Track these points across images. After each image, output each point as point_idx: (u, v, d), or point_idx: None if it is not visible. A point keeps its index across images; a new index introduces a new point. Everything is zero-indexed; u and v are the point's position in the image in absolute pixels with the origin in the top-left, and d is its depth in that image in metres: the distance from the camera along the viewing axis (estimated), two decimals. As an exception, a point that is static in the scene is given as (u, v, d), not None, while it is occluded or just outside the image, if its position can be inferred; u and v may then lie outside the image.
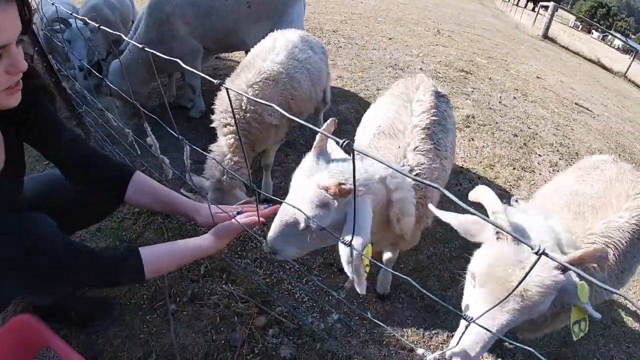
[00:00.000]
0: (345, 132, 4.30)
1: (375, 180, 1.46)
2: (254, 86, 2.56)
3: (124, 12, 4.76)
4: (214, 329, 2.24)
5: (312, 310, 2.46)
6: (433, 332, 2.50)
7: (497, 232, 1.33)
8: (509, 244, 1.28)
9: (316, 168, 1.41)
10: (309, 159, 1.47)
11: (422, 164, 1.87)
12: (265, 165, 3.13)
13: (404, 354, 2.32)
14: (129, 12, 4.89)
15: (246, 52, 4.91)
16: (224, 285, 2.48)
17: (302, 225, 1.39)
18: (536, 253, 0.67)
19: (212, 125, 2.71)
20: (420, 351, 1.21)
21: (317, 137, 1.41)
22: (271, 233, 1.46)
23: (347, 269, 1.28)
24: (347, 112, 4.83)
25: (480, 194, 1.48)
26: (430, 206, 1.51)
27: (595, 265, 1.23)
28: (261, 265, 2.69)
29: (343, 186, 1.27)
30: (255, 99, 1.00)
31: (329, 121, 1.42)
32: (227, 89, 0.99)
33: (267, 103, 0.96)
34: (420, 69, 6.89)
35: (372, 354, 2.26)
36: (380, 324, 1.38)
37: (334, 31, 7.92)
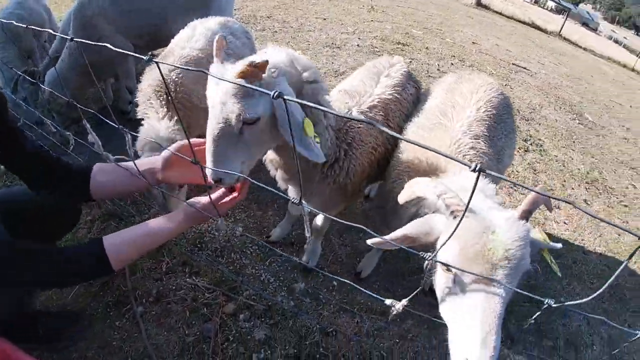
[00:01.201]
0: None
1: (285, 63, 1.51)
2: (176, 70, 2.54)
3: (36, 24, 4.53)
4: (185, 323, 2.25)
5: (280, 290, 2.52)
6: (400, 293, 2.62)
7: (452, 212, 1.30)
8: (468, 217, 1.26)
9: (226, 68, 1.43)
10: (214, 67, 1.47)
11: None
12: None
13: (375, 318, 2.42)
14: (41, 23, 4.66)
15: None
16: (188, 279, 2.48)
17: (234, 123, 1.36)
18: (474, 170, 0.74)
19: (138, 112, 2.58)
20: (388, 301, 1.27)
21: (215, 43, 1.48)
22: (209, 159, 1.41)
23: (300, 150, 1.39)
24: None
25: (414, 190, 1.44)
26: (370, 241, 1.40)
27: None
28: (222, 254, 2.71)
29: (256, 63, 1.28)
30: (190, 69, 1.02)
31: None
32: (157, 63, 1.00)
33: (199, 69, 0.99)
34: (357, 45, 7.02)
35: (345, 322, 2.36)
36: (351, 283, 1.45)
37: (268, 17, 7.88)
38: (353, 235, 3.08)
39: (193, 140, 1.59)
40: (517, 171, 4.70)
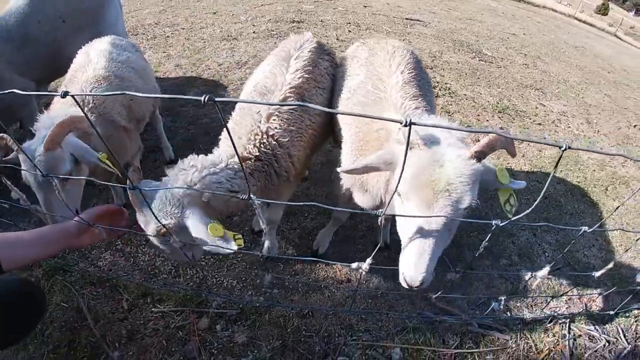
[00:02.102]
0: (205, 115, 4.37)
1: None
2: (92, 90, 2.50)
3: None
4: (166, 353, 2.22)
5: (246, 290, 2.56)
6: (358, 257, 2.74)
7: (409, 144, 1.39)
8: (421, 149, 1.46)
9: None
10: None
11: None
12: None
13: (343, 287, 2.52)
14: None
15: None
16: (153, 309, 2.44)
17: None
18: (405, 125, 0.82)
19: None
20: (354, 265, 1.37)
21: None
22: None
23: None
24: (197, 95, 4.78)
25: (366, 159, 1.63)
26: (339, 169, 1.70)
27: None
28: (179, 274, 2.69)
29: None
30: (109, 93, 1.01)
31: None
32: (73, 96, 0.99)
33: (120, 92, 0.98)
34: (254, 32, 7.01)
35: (318, 300, 2.44)
36: (315, 259, 1.51)
37: (156, 24, 7.59)
38: (300, 218, 3.14)
39: (105, 207, 1.70)
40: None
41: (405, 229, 1.50)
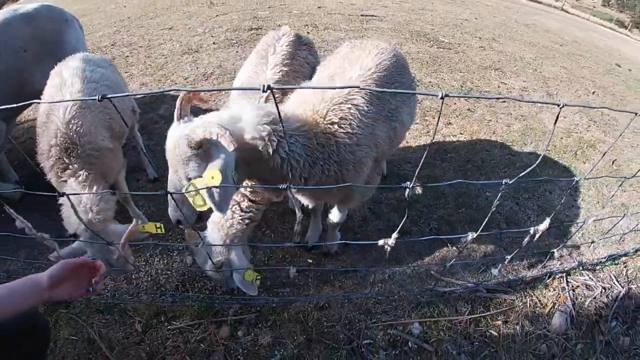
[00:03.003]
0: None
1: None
2: (72, 121, 2.51)
3: None
4: None
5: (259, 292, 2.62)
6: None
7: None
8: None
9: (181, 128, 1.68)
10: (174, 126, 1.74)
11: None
12: (126, 200, 3.09)
13: (351, 274, 2.64)
14: None
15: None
16: (169, 327, 2.47)
17: (184, 183, 1.66)
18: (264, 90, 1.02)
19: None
20: (381, 242, 1.51)
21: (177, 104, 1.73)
22: (171, 211, 1.82)
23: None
24: (168, 112, 4.89)
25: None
26: None
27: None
28: (186, 288, 2.74)
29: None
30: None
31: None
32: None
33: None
34: (214, 43, 7.05)
35: (330, 291, 2.59)
36: (350, 242, 1.62)
37: (112, 44, 7.53)
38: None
39: (77, 260, 1.63)
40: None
41: None
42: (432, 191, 3.62)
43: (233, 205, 2.29)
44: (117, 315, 2.55)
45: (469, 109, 5.30)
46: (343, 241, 2.06)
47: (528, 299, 2.59)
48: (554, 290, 2.65)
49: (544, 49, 9.02)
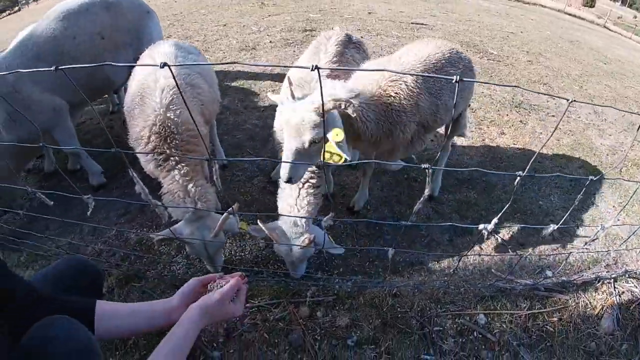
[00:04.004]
0: (245, 121, 4.62)
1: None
2: (171, 106, 2.55)
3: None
4: (270, 345, 2.34)
5: (333, 278, 2.84)
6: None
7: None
8: (290, 102, 2.17)
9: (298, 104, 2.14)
10: (286, 103, 2.19)
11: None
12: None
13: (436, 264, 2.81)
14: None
15: (115, 93, 4.77)
16: (246, 305, 2.52)
17: (306, 145, 2.10)
18: (312, 69, 1.22)
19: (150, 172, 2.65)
20: (481, 226, 1.66)
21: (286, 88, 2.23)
22: (284, 169, 2.16)
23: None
24: (232, 104, 5.18)
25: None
26: None
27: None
28: (260, 270, 2.92)
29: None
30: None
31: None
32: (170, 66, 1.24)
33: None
34: (270, 42, 7.28)
35: (399, 280, 2.77)
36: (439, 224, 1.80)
37: (167, 37, 7.84)
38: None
39: (205, 277, 1.70)
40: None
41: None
42: (489, 196, 3.79)
43: (304, 183, 2.60)
44: (192, 292, 2.70)
45: (520, 121, 5.41)
46: (442, 224, 2.36)
47: (580, 300, 2.72)
48: (603, 294, 2.77)
49: (589, 66, 9.00)
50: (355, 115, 2.36)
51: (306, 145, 2.10)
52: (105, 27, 3.55)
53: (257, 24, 8.44)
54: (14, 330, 1.30)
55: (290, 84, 2.22)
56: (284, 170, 2.16)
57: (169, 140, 2.51)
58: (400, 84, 2.56)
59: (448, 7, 11.63)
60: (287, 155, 2.15)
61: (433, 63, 2.76)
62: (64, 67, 1.36)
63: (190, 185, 2.52)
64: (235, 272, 1.72)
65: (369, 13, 9.32)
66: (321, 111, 1.97)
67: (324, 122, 2.03)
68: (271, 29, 8.05)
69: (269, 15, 9.14)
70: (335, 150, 2.07)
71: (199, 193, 2.52)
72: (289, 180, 2.19)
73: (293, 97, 2.17)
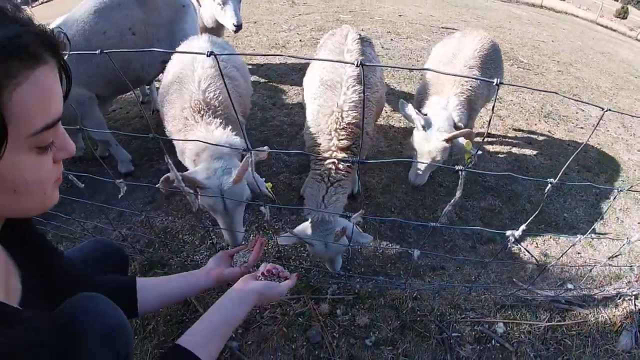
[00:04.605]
0: (274, 117, 4.63)
1: None
2: (209, 90, 2.56)
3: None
4: (288, 339, 2.35)
5: (354, 278, 2.83)
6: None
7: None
8: (420, 130, 2.99)
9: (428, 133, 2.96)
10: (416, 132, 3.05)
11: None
12: None
13: (439, 272, 2.80)
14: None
15: (148, 84, 4.84)
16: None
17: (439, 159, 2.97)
18: (356, 65, 1.18)
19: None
20: (508, 232, 1.66)
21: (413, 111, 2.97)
22: (419, 179, 3.18)
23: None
24: (260, 100, 5.21)
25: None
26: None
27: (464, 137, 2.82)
28: (282, 263, 2.85)
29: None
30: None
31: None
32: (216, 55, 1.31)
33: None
34: (300, 40, 7.32)
35: (420, 284, 2.77)
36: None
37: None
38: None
39: (232, 250, 1.89)
40: (486, 120, 5.28)
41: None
42: (514, 206, 3.75)
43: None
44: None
45: (549, 131, 5.33)
46: (464, 227, 2.46)
47: (600, 315, 2.67)
48: (623, 310, 2.72)
49: (619, 79, 8.81)
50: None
51: (440, 162, 2.98)
52: (137, 23, 3.46)
53: (287, 22, 8.48)
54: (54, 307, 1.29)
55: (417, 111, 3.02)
56: (419, 180, 3.19)
57: (205, 117, 2.48)
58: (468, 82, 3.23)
59: (479, 13, 11.51)
60: (420, 167, 3.12)
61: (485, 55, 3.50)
62: (108, 51, 1.38)
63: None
64: (254, 239, 1.87)
65: (399, 16, 9.29)
66: (449, 141, 2.86)
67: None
68: (301, 27, 8.09)
69: (300, 15, 9.18)
70: (470, 153, 2.63)
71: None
72: (418, 186, 3.29)
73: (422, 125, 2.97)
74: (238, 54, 2.26)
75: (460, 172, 1.45)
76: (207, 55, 1.20)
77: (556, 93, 1.23)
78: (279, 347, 2.31)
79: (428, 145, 2.93)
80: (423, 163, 2.84)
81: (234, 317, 1.41)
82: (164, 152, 1.70)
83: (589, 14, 25.04)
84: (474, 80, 3.25)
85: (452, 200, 1.57)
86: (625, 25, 26.52)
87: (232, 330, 1.44)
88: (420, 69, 1.52)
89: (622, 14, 30.36)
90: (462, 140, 2.82)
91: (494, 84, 1.19)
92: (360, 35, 3.06)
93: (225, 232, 2.43)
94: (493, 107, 1.47)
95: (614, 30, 22.32)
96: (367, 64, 1.15)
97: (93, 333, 1.06)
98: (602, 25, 22.48)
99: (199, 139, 2.20)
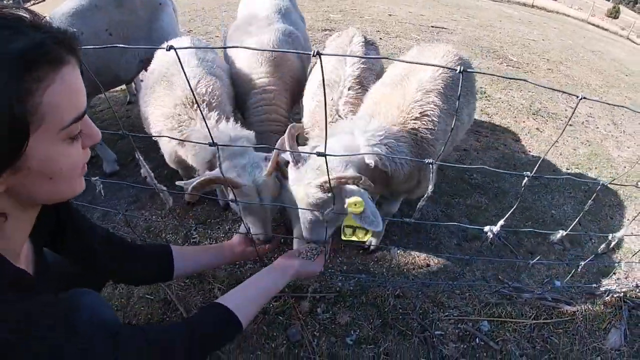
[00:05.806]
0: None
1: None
2: (200, 83, 2.54)
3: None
4: (268, 338, 2.33)
5: (335, 275, 2.77)
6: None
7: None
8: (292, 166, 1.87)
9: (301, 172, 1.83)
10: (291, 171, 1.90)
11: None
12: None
13: (424, 269, 2.74)
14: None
15: (127, 84, 4.76)
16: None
17: (320, 218, 1.82)
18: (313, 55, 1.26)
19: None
20: (486, 228, 1.60)
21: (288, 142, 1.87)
22: (305, 234, 1.97)
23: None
24: None
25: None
26: None
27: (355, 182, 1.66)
28: (264, 263, 2.81)
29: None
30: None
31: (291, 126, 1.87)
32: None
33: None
34: (290, 40, 7.25)
35: (403, 283, 2.70)
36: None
37: (188, 31, 7.90)
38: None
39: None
40: (474, 119, 5.25)
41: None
42: (501, 203, 3.70)
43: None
44: (196, 281, 2.64)
45: (537, 129, 5.30)
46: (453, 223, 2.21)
47: (588, 313, 2.63)
48: (611, 307, 2.69)
49: (610, 77, 8.80)
50: (382, 165, 1.97)
51: (320, 217, 1.80)
52: (114, 24, 3.40)
53: (279, 22, 8.43)
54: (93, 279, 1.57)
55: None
56: (314, 236, 1.94)
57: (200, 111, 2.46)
58: (429, 103, 2.21)
59: (470, 12, 11.52)
60: (303, 222, 1.91)
61: (451, 76, 2.43)
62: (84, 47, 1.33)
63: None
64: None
65: (390, 15, 9.27)
66: (327, 187, 1.58)
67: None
68: (291, 27, 8.05)
69: (290, 14, 9.14)
70: (357, 224, 1.69)
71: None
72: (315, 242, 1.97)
73: (295, 161, 1.86)
74: (211, 47, 2.17)
75: (430, 165, 1.39)
76: (167, 50, 1.17)
77: (525, 80, 1.17)
78: (259, 345, 2.28)
79: (300, 191, 1.82)
80: (305, 213, 1.88)
81: (273, 287, 1.61)
82: (134, 148, 1.64)
83: (580, 13, 25.18)
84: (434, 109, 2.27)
85: (425, 195, 1.52)
86: (616, 24, 26.69)
87: (268, 300, 1.64)
88: (388, 58, 1.46)
89: (614, 14, 30.56)
90: (350, 189, 1.74)
91: (457, 71, 1.09)
92: (365, 38, 3.00)
93: (256, 226, 2.17)
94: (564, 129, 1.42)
95: (606, 30, 22.45)
96: (324, 53, 1.08)
97: (86, 327, 1.08)
98: (593, 25, 22.60)
99: (202, 136, 2.16)
